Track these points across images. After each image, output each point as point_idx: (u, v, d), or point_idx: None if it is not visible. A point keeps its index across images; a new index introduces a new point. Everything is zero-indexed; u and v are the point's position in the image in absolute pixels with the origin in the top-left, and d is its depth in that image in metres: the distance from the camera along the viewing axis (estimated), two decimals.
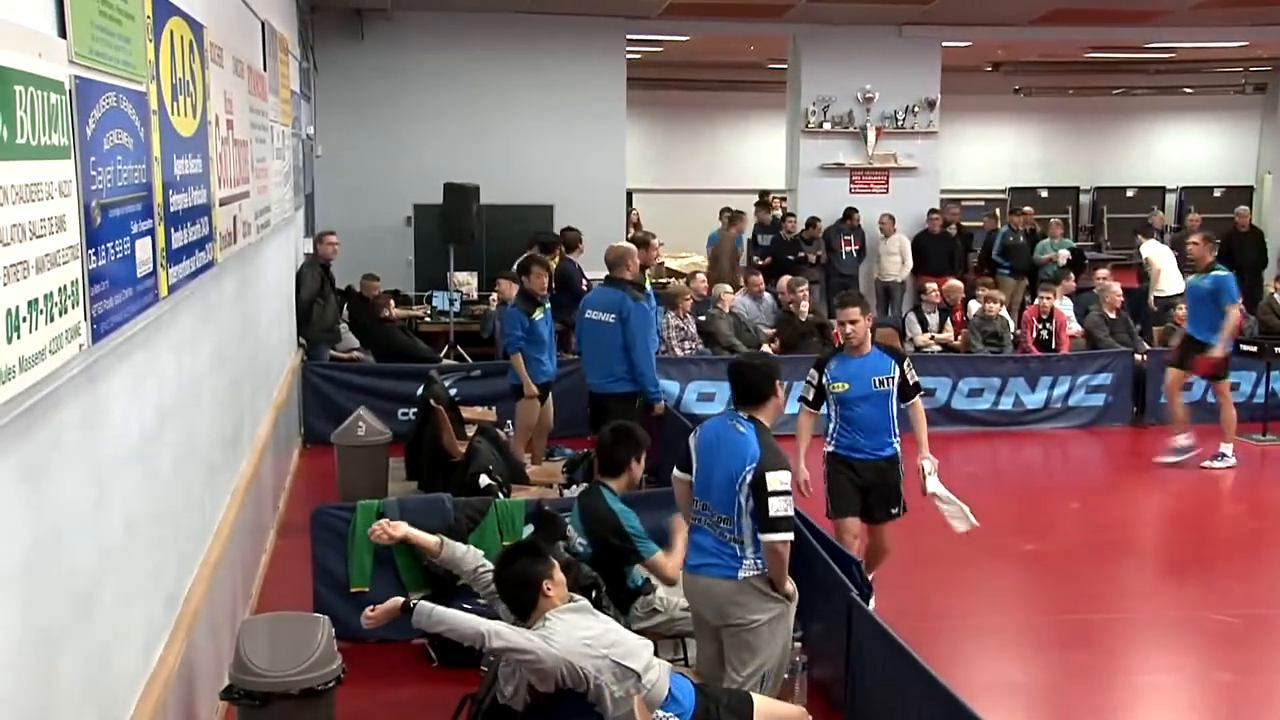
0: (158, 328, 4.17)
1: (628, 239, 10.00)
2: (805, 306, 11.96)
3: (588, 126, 14.61)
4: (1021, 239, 15.13)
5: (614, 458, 5.34)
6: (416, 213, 14.24)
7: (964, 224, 16.27)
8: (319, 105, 13.85)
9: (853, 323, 6.21)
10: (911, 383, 6.23)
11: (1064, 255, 14.83)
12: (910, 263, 15.02)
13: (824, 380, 6.33)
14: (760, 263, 14.93)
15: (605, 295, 7.90)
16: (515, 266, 10.54)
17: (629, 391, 7.79)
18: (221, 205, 5.50)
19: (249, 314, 6.99)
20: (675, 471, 4.92)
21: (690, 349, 11.35)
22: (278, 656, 4.43)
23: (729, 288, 12.80)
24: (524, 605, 4.13)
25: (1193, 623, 6.78)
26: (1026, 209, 16.04)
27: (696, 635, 5.06)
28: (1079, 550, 8.01)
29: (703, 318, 11.85)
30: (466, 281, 13.83)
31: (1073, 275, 13.95)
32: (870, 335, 6.32)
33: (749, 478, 4.60)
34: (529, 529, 6.20)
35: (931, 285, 12.52)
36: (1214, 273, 9.73)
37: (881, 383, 6.22)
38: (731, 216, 15.77)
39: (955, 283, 12.90)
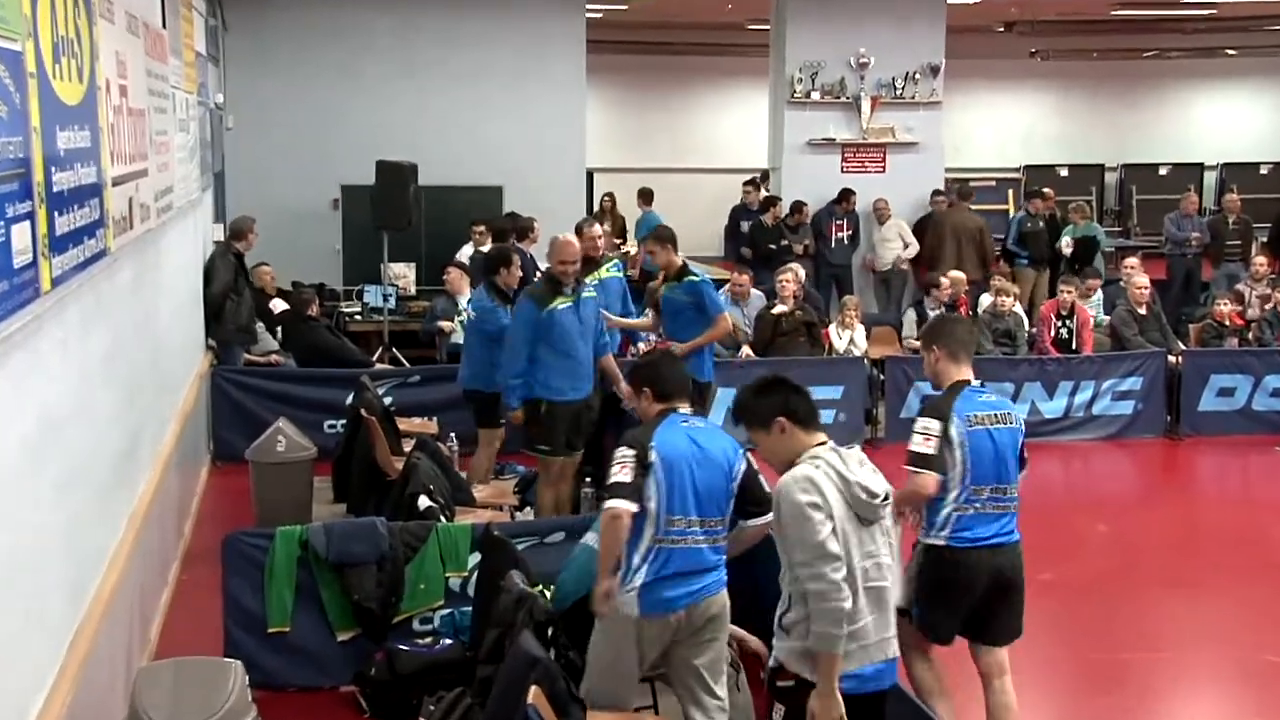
0: (39, 327, 4.11)
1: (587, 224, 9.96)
2: (789, 290, 11.67)
3: (542, 96, 14.60)
4: (1041, 224, 15.22)
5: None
6: (345, 195, 14.19)
7: (972, 207, 16.38)
8: (229, 69, 13.76)
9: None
10: None
11: (1066, 246, 14.88)
12: (915, 245, 15.07)
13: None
14: (747, 254, 14.93)
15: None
16: (485, 260, 10.63)
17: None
18: (115, 185, 5.45)
19: (149, 311, 6.93)
20: (617, 504, 4.72)
21: None
22: (181, 709, 4.39)
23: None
24: None
25: (1242, 665, 6.79)
26: (1046, 190, 16.12)
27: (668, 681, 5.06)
28: (1106, 580, 8.05)
29: None
30: (403, 274, 13.78)
31: (1071, 269, 13.95)
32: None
33: (742, 466, 4.84)
34: (475, 557, 6.17)
35: (945, 280, 12.52)
36: None
37: None
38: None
39: (958, 274, 12.95)
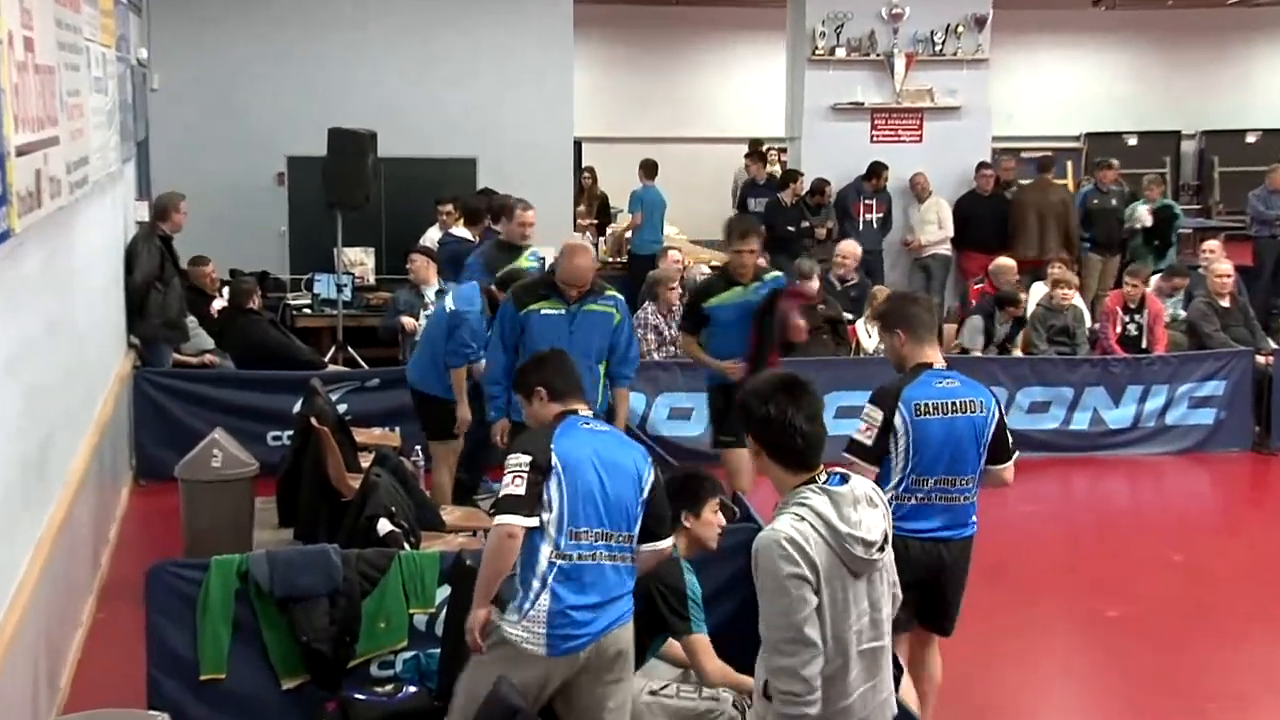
0: None
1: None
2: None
3: (523, 53, 14.62)
4: (1114, 201, 15.22)
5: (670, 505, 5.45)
6: (291, 168, 14.19)
7: (1022, 182, 16.41)
8: (154, 19, 13.75)
9: None
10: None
11: (1144, 215, 14.91)
12: (949, 229, 15.10)
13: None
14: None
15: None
16: (466, 211, 10.89)
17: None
18: (19, 155, 5.43)
19: (60, 303, 6.90)
20: (509, 519, 4.77)
21: (669, 355, 11.35)
22: None
23: (705, 269, 12.77)
24: None
25: None
26: (1112, 162, 16.14)
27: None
28: (1183, 618, 8.03)
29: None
30: (360, 260, 13.79)
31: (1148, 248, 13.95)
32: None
33: (651, 478, 5.02)
34: (444, 590, 6.16)
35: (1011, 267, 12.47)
36: None
37: None
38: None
39: (1006, 261, 12.94)
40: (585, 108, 17.44)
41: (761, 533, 4.16)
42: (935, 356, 5.88)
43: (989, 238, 14.86)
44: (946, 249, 15.21)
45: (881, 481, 5.57)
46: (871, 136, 15.55)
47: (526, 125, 14.52)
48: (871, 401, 5.75)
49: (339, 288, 13.04)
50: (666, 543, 5.06)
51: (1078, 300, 12.46)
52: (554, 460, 4.85)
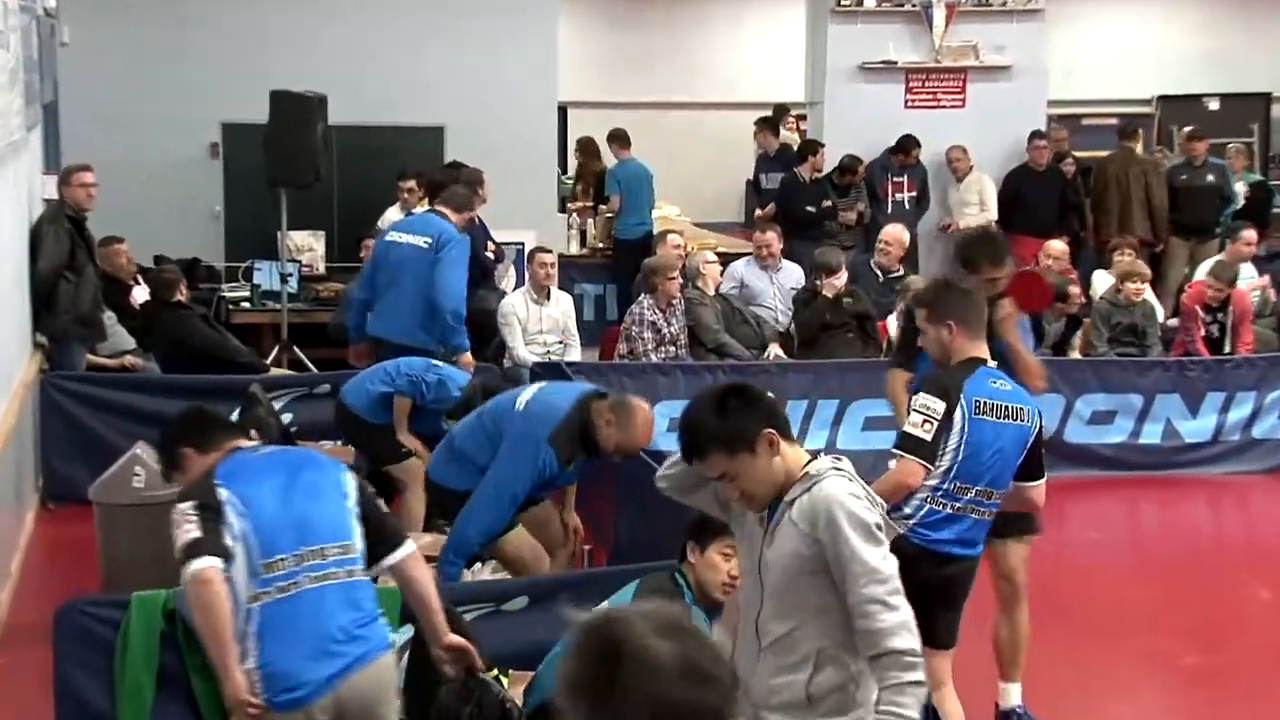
0: None
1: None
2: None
3: (499, 5, 14.60)
4: (1210, 177, 15.24)
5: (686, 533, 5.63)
6: (227, 138, 14.18)
7: (1079, 154, 16.37)
8: None
9: None
10: None
11: (1239, 191, 14.96)
12: (993, 209, 15.11)
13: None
14: (761, 215, 14.95)
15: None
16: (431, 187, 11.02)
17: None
18: None
19: None
20: (200, 565, 4.78)
21: (669, 355, 11.34)
22: None
23: (711, 256, 12.76)
24: None
25: None
26: (1188, 129, 16.15)
27: None
28: (1273, 666, 8.01)
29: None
30: (308, 246, 13.80)
31: (1255, 239, 13.94)
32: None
33: (353, 485, 5.13)
34: (406, 630, 6.13)
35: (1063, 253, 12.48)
36: None
37: None
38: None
39: (1058, 244, 12.85)
40: (572, 67, 17.48)
41: (820, 495, 4.25)
42: (985, 353, 6.03)
43: (1043, 219, 14.88)
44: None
45: None
46: (906, 101, 15.60)
47: (503, 88, 14.49)
48: (927, 392, 5.87)
49: (283, 278, 13.01)
50: (407, 547, 5.15)
51: (1149, 295, 12.39)
52: (221, 495, 4.94)
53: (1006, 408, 5.87)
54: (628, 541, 8.46)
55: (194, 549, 4.81)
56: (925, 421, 5.76)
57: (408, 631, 6.14)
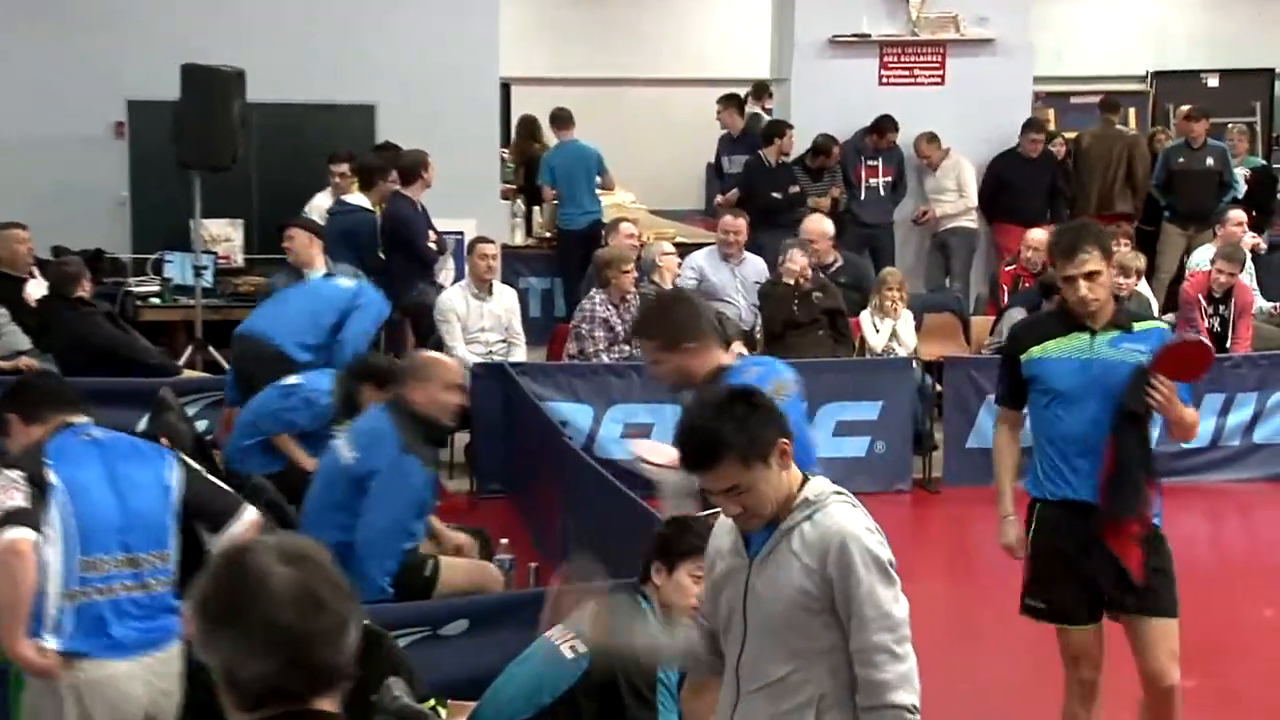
0: None
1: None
2: (798, 265, 11.92)
3: None
4: (1209, 161, 15.32)
5: (648, 550, 5.65)
6: (133, 116, 14.11)
7: (1066, 134, 16.41)
8: None
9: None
10: None
11: (1240, 180, 15.15)
12: (972, 196, 15.19)
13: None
14: (723, 201, 14.96)
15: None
16: (361, 174, 11.05)
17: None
18: None
19: None
20: (14, 533, 5.16)
21: (623, 355, 11.38)
22: None
23: (669, 246, 12.82)
24: None
25: None
26: (1185, 108, 16.23)
27: None
28: (1278, 690, 8.13)
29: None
30: (225, 236, 13.76)
31: (1244, 219, 14.06)
32: None
33: (178, 476, 5.51)
34: None
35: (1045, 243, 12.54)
36: None
37: None
38: None
39: (1038, 233, 12.89)
40: (518, 40, 17.42)
41: (829, 525, 4.23)
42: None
43: (1031, 207, 14.96)
44: (971, 220, 15.28)
45: None
46: (880, 78, 15.59)
47: (440, 62, 14.41)
48: None
49: (197, 271, 12.89)
50: (248, 515, 5.66)
51: (1143, 288, 12.53)
52: (50, 475, 5.28)
53: None
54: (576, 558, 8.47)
55: (15, 517, 5.16)
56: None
57: None
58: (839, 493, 4.32)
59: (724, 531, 4.44)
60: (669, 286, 12.01)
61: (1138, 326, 6.59)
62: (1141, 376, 6.39)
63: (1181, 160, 15.36)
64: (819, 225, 13.01)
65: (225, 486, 5.86)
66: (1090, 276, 6.40)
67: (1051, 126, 16.33)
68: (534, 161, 16.66)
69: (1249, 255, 13.11)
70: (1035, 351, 6.58)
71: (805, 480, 4.31)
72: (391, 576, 7.33)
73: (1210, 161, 15.37)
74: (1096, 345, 6.47)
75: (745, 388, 4.56)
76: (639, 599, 5.49)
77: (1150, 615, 6.69)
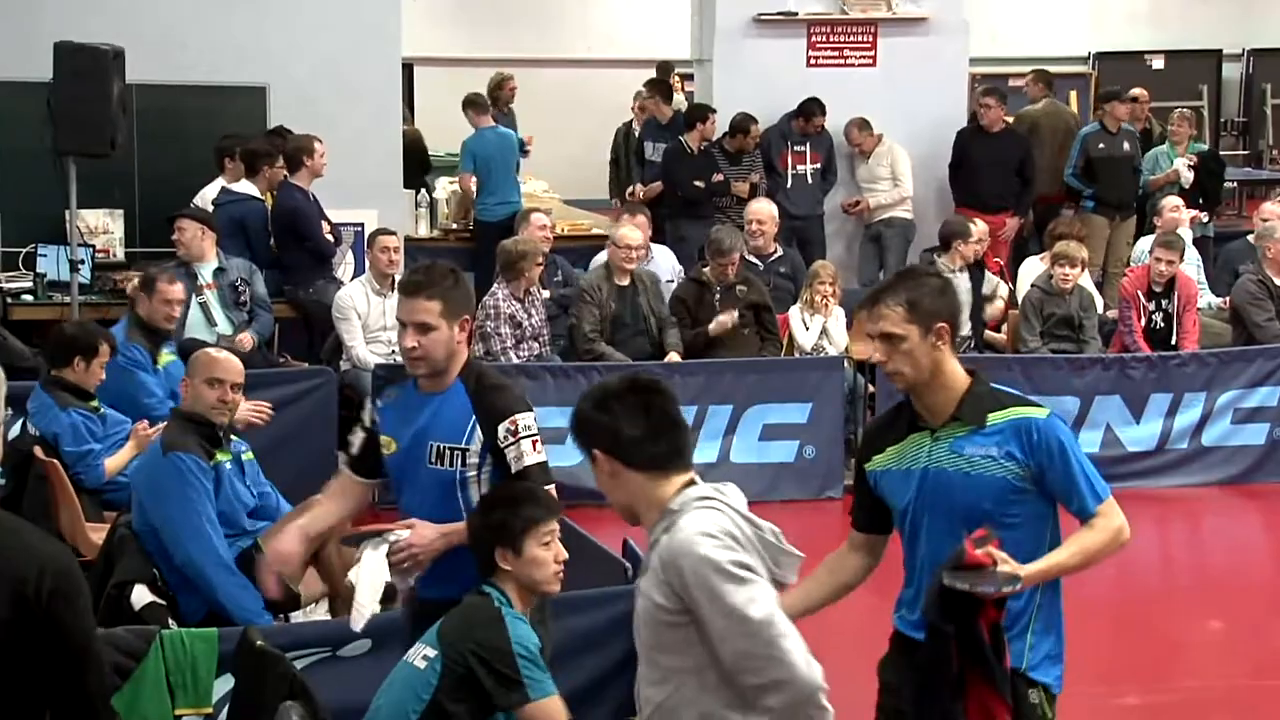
0: None
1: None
2: (733, 268, 11.96)
3: None
4: (1126, 146, 15.45)
5: (478, 544, 5.62)
6: (1, 98, 13.93)
7: (1007, 118, 16.50)
8: None
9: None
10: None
11: (1184, 170, 15.23)
12: (907, 184, 15.18)
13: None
14: (637, 196, 14.91)
15: None
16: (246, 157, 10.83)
17: None
18: None
19: None
20: None
21: (533, 354, 11.34)
22: None
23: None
24: None
25: None
26: (1137, 92, 16.29)
27: None
28: (1227, 708, 8.12)
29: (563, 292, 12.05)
30: (103, 228, 13.67)
31: (1181, 204, 14.11)
32: None
33: None
34: (225, 681, 6.13)
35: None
36: None
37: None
38: None
39: (983, 224, 12.96)
40: (421, 18, 17.39)
41: (668, 542, 4.23)
42: None
43: (996, 193, 14.93)
44: (906, 211, 15.29)
45: None
46: (808, 59, 15.57)
47: (336, 41, 14.33)
48: None
49: (73, 265, 12.77)
50: None
51: (1085, 281, 12.57)
52: None
53: None
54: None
55: None
56: None
57: (227, 682, 6.16)
58: (702, 496, 4.30)
59: None
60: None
61: (993, 419, 5.12)
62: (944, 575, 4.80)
63: (1102, 146, 15.38)
64: (767, 210, 12.99)
65: None
66: (889, 340, 5.11)
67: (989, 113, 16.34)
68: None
69: (1192, 246, 13.17)
70: (877, 460, 5.34)
71: (688, 483, 4.33)
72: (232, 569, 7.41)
73: (1126, 147, 15.48)
74: (935, 450, 5.17)
75: (638, 379, 4.59)
76: (493, 598, 5.50)
77: None
